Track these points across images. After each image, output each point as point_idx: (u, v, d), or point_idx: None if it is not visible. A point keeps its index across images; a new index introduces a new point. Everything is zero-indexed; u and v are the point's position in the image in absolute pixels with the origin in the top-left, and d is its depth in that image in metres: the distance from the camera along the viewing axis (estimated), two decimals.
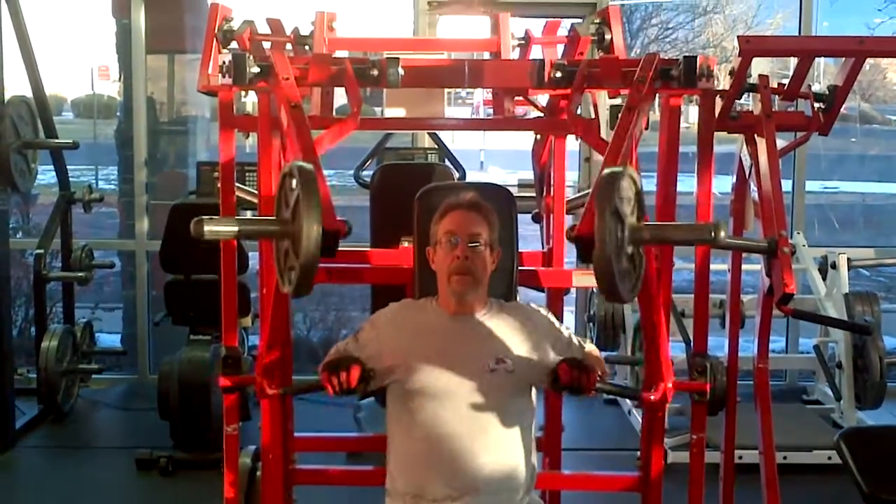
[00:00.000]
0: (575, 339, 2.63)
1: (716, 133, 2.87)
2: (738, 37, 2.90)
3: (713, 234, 2.23)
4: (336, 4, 3.54)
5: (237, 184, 3.29)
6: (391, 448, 2.56)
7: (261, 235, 2.46)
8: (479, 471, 2.43)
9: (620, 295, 2.15)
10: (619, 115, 2.55)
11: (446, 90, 3.25)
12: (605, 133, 3.54)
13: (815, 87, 3.18)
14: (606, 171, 2.18)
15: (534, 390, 2.59)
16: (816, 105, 3.11)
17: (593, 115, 3.75)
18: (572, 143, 3.64)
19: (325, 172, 2.31)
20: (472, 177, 5.76)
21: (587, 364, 2.42)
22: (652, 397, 2.62)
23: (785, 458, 4.26)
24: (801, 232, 5.71)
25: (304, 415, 3.48)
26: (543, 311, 2.69)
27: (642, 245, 2.24)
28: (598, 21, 3.38)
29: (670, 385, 2.62)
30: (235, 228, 2.18)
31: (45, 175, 5.92)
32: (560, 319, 3.31)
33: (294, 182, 2.09)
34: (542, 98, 3.50)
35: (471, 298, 2.55)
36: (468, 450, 2.44)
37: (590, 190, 5.20)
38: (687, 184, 2.86)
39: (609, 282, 2.09)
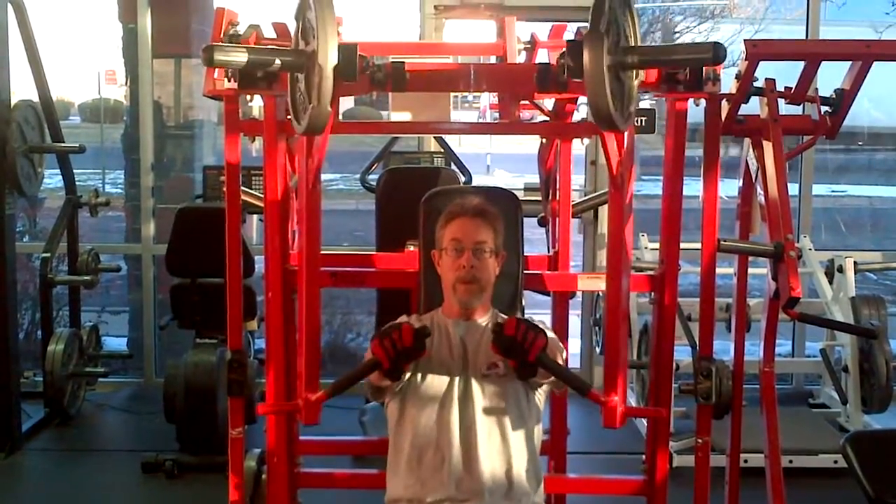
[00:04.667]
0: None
1: (722, 136, 2.86)
2: (744, 41, 2.89)
3: (713, 53, 2.10)
4: (342, 8, 3.53)
5: (243, 188, 3.29)
6: (392, 453, 2.56)
7: (272, 64, 2.22)
8: (480, 475, 2.43)
9: (613, 119, 2.01)
10: None
11: (452, 94, 3.25)
12: None
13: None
14: None
15: (541, 395, 2.57)
16: (823, 109, 3.11)
17: None
18: (578, 147, 3.63)
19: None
20: (478, 181, 5.75)
21: (539, 327, 2.28)
22: (602, 399, 2.40)
23: (791, 461, 4.24)
24: (808, 235, 5.69)
25: None
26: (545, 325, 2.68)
27: (637, 68, 2.12)
28: None
29: (621, 408, 2.41)
30: (244, 57, 2.02)
31: (52, 179, 5.94)
32: (566, 323, 3.32)
33: (311, 14, 1.96)
34: (548, 102, 3.50)
35: (476, 305, 2.56)
36: (469, 455, 2.44)
37: (596, 194, 5.20)
38: (693, 187, 2.86)
39: (601, 103, 1.96)
